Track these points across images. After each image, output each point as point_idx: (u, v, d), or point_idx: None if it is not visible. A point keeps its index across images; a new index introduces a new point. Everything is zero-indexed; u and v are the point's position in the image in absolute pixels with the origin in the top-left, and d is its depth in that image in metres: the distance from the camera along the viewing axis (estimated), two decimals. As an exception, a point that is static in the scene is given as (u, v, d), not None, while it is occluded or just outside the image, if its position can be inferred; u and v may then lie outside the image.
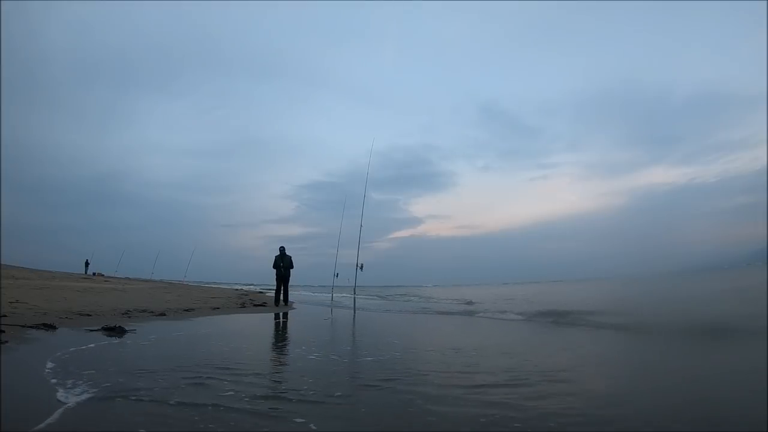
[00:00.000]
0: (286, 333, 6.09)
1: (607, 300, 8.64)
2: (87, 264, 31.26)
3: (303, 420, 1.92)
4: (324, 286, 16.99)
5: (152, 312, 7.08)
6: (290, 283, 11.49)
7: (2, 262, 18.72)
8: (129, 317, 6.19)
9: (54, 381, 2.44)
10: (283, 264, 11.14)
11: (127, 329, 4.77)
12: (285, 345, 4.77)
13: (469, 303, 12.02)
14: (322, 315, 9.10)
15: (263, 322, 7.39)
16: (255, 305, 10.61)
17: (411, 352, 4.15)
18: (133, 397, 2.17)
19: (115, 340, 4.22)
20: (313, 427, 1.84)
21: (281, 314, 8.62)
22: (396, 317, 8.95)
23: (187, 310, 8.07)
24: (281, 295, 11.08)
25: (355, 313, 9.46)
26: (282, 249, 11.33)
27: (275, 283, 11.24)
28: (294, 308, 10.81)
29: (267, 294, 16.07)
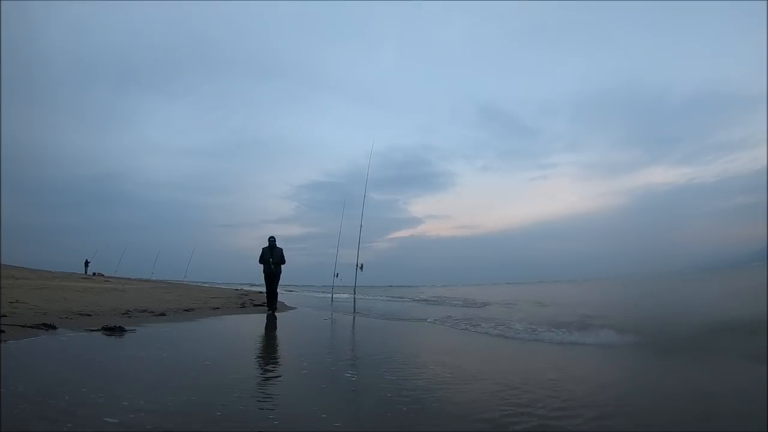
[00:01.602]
0: (270, 344, 5.13)
1: (644, 306, 6.54)
2: (87, 264, 31.23)
3: None
4: (325, 286, 16.99)
5: (152, 312, 7.07)
6: (281, 282, 9.72)
7: (2, 262, 18.70)
8: (129, 317, 6.18)
9: None
10: (272, 259, 9.40)
11: (126, 329, 4.77)
12: (251, 365, 3.60)
13: (482, 306, 11.33)
14: (321, 321, 9.06)
15: (254, 326, 7.36)
16: (255, 305, 10.59)
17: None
18: None
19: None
20: None
21: (273, 319, 7.79)
22: (409, 328, 6.99)
23: (187, 310, 8.07)
24: (272, 300, 9.51)
25: (354, 318, 9.41)
26: (272, 240, 9.47)
27: (263, 282, 9.62)
28: (294, 309, 10.77)
29: (263, 293, 16.00)
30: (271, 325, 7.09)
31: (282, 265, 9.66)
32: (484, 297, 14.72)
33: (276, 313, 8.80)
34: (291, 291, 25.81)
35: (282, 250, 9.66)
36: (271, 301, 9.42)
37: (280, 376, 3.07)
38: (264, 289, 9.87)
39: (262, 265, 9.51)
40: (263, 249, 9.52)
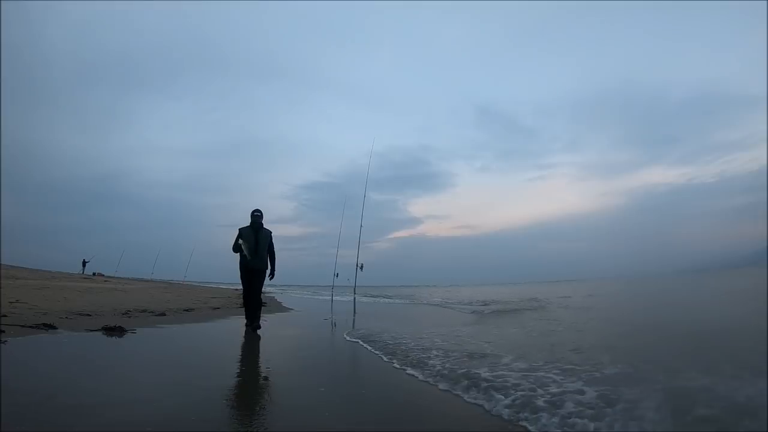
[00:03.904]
0: (271, 346, 4.67)
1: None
2: (84, 264, 31.24)
3: None
4: (325, 286, 16.99)
5: (152, 312, 7.07)
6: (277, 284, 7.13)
7: (2, 262, 18.69)
8: (129, 317, 6.18)
9: None
10: (257, 245, 5.84)
11: (127, 329, 4.76)
12: (251, 367, 3.35)
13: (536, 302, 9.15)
14: (321, 322, 8.99)
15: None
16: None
17: None
18: None
19: None
20: None
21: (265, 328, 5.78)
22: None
23: (187, 310, 8.07)
24: (251, 310, 5.86)
25: (354, 321, 9.31)
26: (256, 217, 5.94)
27: (241, 281, 5.97)
28: (292, 310, 10.73)
29: (265, 293, 15.83)
30: (271, 327, 7.03)
31: (269, 259, 6.04)
32: (496, 299, 13.23)
33: (270, 316, 7.11)
34: (291, 293, 25.64)
35: (271, 234, 6.06)
36: (251, 313, 5.86)
37: (278, 378, 3.06)
38: (262, 290, 6.16)
39: (237, 255, 5.92)
40: (241, 230, 5.89)
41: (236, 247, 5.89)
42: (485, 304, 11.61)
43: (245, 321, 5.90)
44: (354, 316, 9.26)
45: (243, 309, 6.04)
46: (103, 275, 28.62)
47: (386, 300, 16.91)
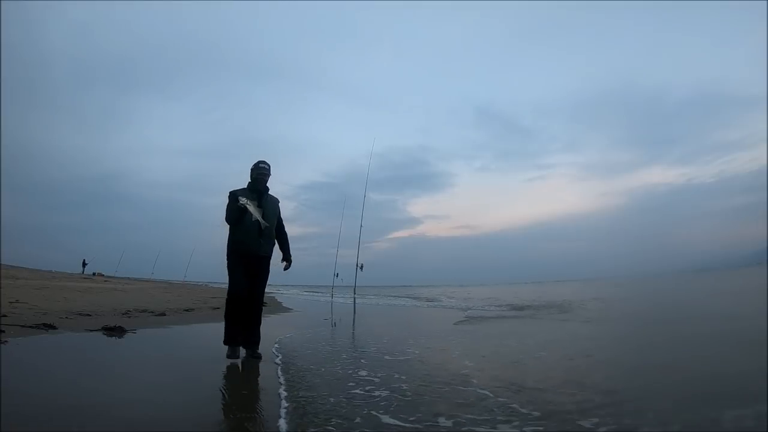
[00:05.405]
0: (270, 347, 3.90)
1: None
2: (84, 264, 31.26)
3: None
4: (326, 286, 16.95)
5: (152, 312, 7.06)
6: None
7: (2, 262, 18.69)
8: (129, 317, 6.17)
9: None
10: (264, 219, 3.52)
11: (127, 329, 4.75)
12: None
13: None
14: (322, 323, 8.91)
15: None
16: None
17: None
18: None
19: None
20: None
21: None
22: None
23: (187, 310, 8.05)
24: (246, 322, 3.48)
25: (354, 321, 9.20)
26: (262, 169, 3.64)
27: (229, 275, 3.50)
28: (291, 310, 10.70)
29: (266, 293, 15.55)
30: (271, 327, 6.97)
31: (277, 242, 3.86)
32: (506, 300, 12.37)
33: (274, 317, 7.10)
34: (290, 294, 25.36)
35: (278, 202, 3.84)
36: (247, 328, 3.53)
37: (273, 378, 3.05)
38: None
39: (226, 239, 3.62)
40: (234, 194, 3.52)
41: (234, 213, 3.48)
42: (516, 309, 9.76)
43: (226, 346, 3.45)
44: (354, 315, 9.25)
45: (225, 319, 3.53)
46: (103, 275, 28.65)
47: (397, 301, 15.71)
